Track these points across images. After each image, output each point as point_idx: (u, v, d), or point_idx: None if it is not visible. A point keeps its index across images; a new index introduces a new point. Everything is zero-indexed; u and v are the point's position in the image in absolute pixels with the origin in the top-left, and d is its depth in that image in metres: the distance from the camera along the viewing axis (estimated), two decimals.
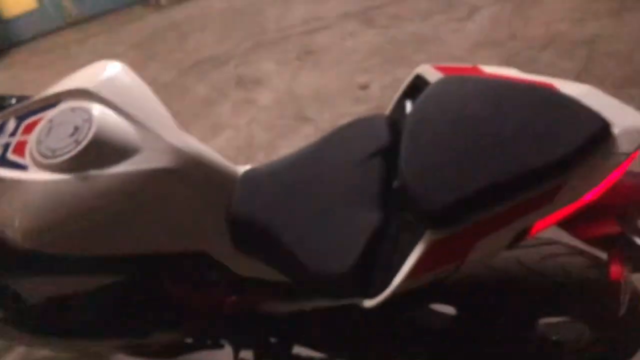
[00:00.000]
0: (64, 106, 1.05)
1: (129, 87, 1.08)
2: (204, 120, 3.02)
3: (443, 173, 0.79)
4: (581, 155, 0.78)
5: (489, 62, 2.65)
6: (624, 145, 0.81)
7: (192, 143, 1.05)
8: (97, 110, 1.02)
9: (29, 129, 1.06)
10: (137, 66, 3.53)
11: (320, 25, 3.55)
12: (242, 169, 1.17)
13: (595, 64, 2.56)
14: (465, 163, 0.79)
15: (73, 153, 0.96)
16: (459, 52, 2.93)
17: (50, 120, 1.03)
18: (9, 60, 4.35)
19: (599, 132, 0.79)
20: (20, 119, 1.09)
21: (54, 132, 1.01)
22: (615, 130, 0.81)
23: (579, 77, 2.51)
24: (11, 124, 1.09)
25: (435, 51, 2.99)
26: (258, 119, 2.89)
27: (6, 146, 1.04)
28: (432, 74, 1.00)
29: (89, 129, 0.98)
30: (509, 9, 3.15)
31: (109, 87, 1.06)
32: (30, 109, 1.09)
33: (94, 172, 0.96)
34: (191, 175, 1.02)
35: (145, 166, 0.98)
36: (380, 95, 2.78)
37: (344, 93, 2.88)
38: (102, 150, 0.97)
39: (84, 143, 0.97)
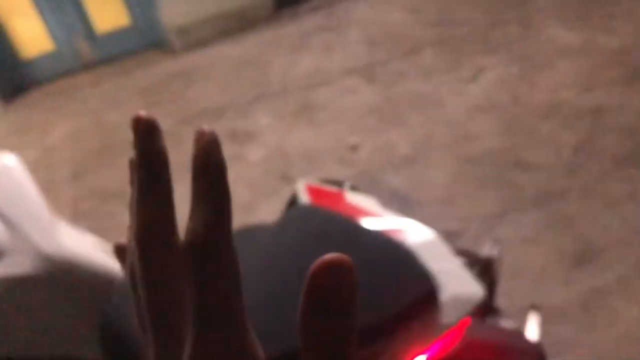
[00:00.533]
0: None
1: (12, 184, 1.04)
2: (189, 175, 2.99)
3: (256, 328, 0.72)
4: (399, 322, 0.69)
5: (487, 129, 2.56)
6: (449, 314, 0.71)
7: (66, 247, 1.00)
8: None
9: None
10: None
11: (322, 80, 3.52)
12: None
13: (597, 137, 2.42)
14: (274, 321, 0.72)
15: None
16: (456, 116, 2.83)
17: None
18: (24, 101, 4.49)
19: (424, 298, 0.70)
20: None
21: None
22: (444, 296, 0.72)
23: (577, 151, 2.37)
24: None
25: (432, 114, 2.90)
26: (243, 177, 2.85)
27: None
28: (302, 194, 0.94)
29: None
30: (517, 71, 3.05)
31: None
32: None
33: None
34: (58, 282, 0.97)
35: (7, 273, 0.93)
36: (367, 159, 2.70)
37: (333, 153, 2.82)
38: None
39: None
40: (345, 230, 0.81)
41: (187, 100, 3.79)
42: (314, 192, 0.92)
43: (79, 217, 2.95)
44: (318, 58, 3.81)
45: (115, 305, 1.00)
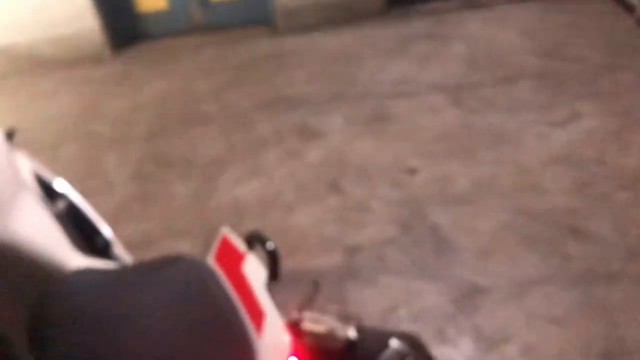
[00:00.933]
0: None
1: None
2: (248, 161, 3.06)
3: None
4: None
5: (557, 184, 2.40)
6: None
7: (12, 231, 1.04)
8: None
9: None
10: (222, 89, 3.69)
11: (406, 91, 3.43)
12: (79, 263, 1.15)
13: None
14: None
15: None
16: (530, 162, 2.66)
17: None
18: (129, 53, 4.79)
19: None
20: None
21: None
22: None
23: None
24: None
25: (506, 154, 2.75)
26: (295, 176, 2.87)
27: None
28: (214, 243, 0.93)
29: None
30: (614, 126, 2.80)
31: None
32: None
33: None
34: None
35: None
36: (421, 186, 2.62)
37: (389, 172, 2.76)
38: None
39: None
40: (206, 300, 0.80)
41: (272, 84, 3.86)
42: (224, 243, 0.90)
43: (137, 178, 3.13)
44: (411, 67, 3.72)
45: (51, 298, 1.05)
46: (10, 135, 1.55)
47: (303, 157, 3.02)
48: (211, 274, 0.80)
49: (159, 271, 0.97)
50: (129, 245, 2.58)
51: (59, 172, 3.29)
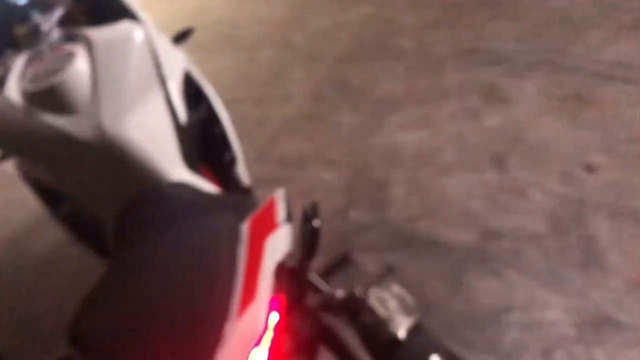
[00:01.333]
0: (74, 48, 1.25)
1: (123, 57, 1.22)
2: (422, 108, 2.98)
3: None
4: None
5: None
6: None
7: (125, 133, 1.15)
8: (79, 64, 1.20)
9: (54, 50, 1.30)
10: (425, 27, 3.59)
11: (623, 76, 3.00)
12: (178, 176, 1.23)
13: None
14: None
15: (33, 89, 1.18)
16: None
17: (60, 53, 1.25)
18: None
19: None
20: (65, 39, 1.34)
21: (48, 64, 1.23)
22: None
23: None
24: (55, 34, 1.35)
25: None
26: (462, 138, 2.74)
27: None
28: (261, 202, 0.92)
29: (59, 76, 1.18)
30: None
31: (108, 49, 1.22)
32: (73, 34, 1.33)
33: (36, 111, 1.17)
34: (104, 158, 1.15)
35: (68, 129, 1.15)
36: (594, 189, 2.35)
37: (564, 162, 2.50)
38: (51, 97, 1.17)
39: (44, 86, 1.17)
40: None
41: (478, 32, 3.62)
42: (268, 208, 0.89)
43: (313, 97, 3.23)
44: None
45: (139, 203, 1.15)
46: (184, 35, 1.66)
47: (479, 120, 2.84)
48: (236, 240, 0.81)
49: (221, 212, 1.01)
50: (281, 160, 2.73)
51: (248, 73, 3.53)
